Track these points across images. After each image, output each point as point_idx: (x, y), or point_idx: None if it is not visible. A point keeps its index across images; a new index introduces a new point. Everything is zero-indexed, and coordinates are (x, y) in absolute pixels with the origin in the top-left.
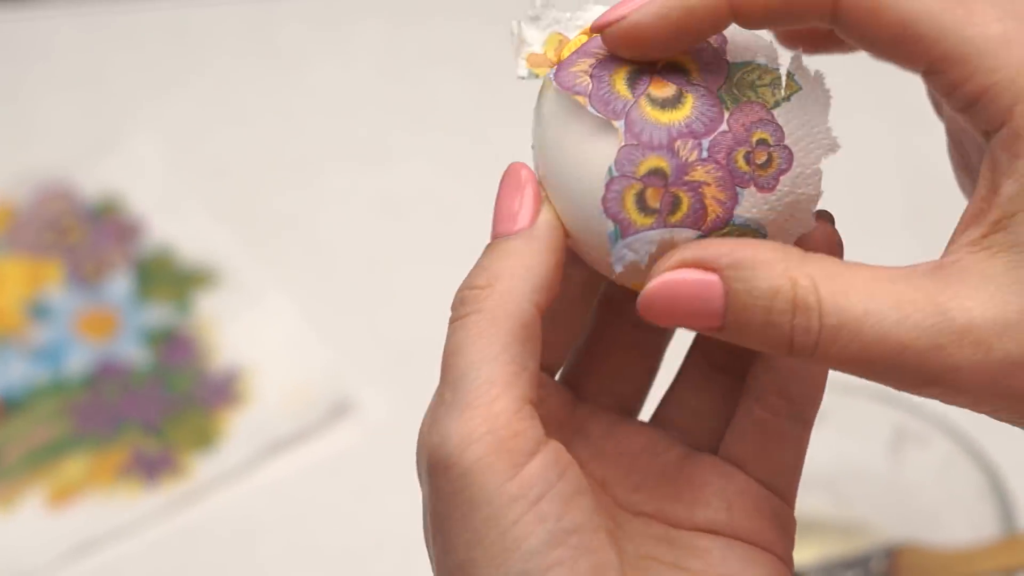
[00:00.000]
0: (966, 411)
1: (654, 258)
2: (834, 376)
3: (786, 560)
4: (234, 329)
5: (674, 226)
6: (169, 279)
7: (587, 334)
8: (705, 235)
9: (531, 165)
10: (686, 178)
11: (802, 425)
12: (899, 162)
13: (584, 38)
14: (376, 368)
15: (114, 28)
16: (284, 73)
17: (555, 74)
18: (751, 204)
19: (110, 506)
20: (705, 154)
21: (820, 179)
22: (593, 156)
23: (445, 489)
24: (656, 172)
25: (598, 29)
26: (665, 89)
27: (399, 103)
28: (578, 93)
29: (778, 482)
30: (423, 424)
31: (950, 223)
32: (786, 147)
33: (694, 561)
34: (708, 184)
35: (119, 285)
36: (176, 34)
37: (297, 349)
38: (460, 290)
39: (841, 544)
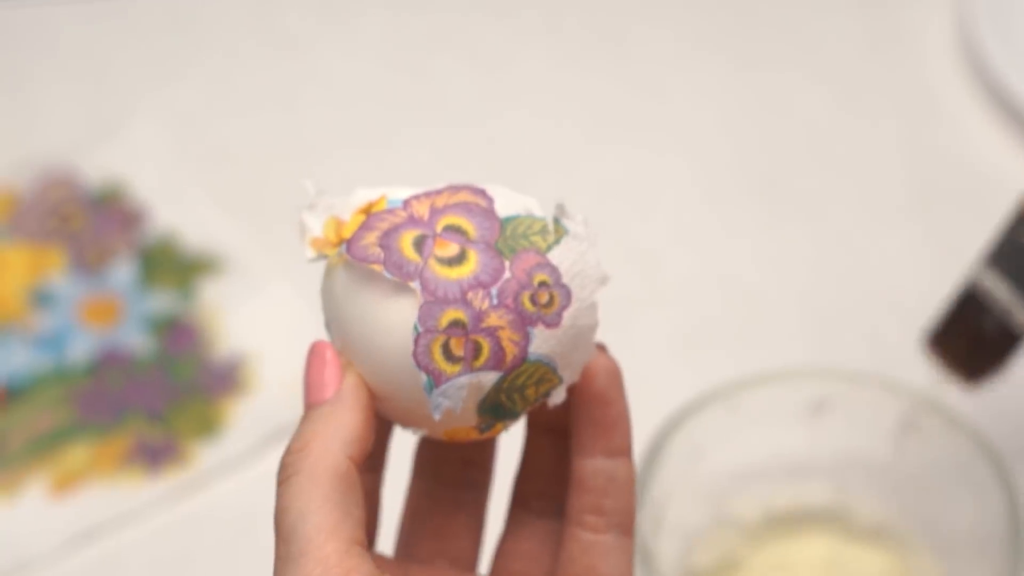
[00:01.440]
0: (972, 401)
1: (466, 402)
2: (840, 365)
3: None
4: (238, 317)
5: (479, 370)
6: (172, 267)
7: (407, 504)
8: (507, 374)
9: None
10: (482, 325)
11: (624, 537)
12: (901, 151)
13: (361, 217)
14: None
15: (118, 15)
16: (288, 61)
17: (347, 249)
18: (542, 341)
19: (113, 494)
20: (495, 301)
21: (596, 310)
22: (395, 317)
23: None
24: (456, 323)
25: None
26: (448, 248)
27: (403, 92)
28: (373, 262)
29: None
30: None
31: (952, 211)
32: (564, 285)
33: None
34: (503, 328)
35: (122, 272)
36: (180, 21)
37: (300, 337)
38: (282, 458)
39: (845, 534)
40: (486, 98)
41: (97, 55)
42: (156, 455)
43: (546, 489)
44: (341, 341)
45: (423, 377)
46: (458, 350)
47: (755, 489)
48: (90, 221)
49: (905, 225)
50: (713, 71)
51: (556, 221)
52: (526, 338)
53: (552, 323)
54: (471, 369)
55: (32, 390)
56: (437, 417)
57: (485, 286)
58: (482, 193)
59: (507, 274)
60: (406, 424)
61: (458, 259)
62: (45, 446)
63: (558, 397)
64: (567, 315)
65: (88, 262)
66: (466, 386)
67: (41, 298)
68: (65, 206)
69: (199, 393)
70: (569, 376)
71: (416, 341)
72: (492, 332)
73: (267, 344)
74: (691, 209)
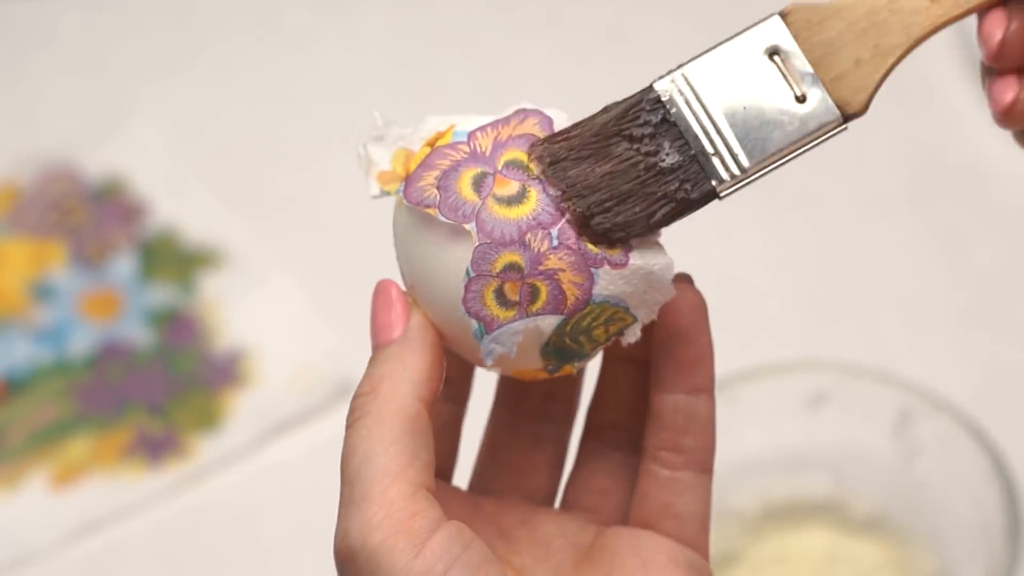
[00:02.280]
0: (970, 393)
1: (522, 347)
2: (838, 358)
3: None
4: (238, 310)
5: (536, 314)
6: (173, 260)
7: (486, 437)
8: (569, 317)
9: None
10: (541, 268)
11: (702, 475)
12: (900, 145)
13: (427, 150)
14: None
15: (118, 9)
16: (288, 54)
17: (403, 191)
18: (607, 282)
19: (114, 487)
20: (556, 242)
21: (664, 251)
22: (451, 260)
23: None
24: (512, 267)
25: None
26: (508, 187)
27: (403, 85)
28: (427, 206)
29: (688, 534)
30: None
31: (951, 206)
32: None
33: None
34: (563, 270)
35: (123, 266)
36: (180, 15)
37: (301, 330)
38: (352, 400)
39: (843, 526)
40: (486, 91)
41: (98, 49)
42: (157, 448)
43: (622, 421)
44: (408, 278)
45: (473, 323)
46: (513, 295)
47: (754, 481)
48: (91, 215)
49: (903, 219)
50: None
51: None
52: (590, 279)
53: (618, 263)
54: (527, 314)
55: (33, 383)
56: (488, 363)
57: (545, 226)
58: (549, 122)
59: (568, 215)
60: (474, 363)
61: (517, 198)
62: (46, 439)
63: (632, 336)
64: (634, 255)
65: (89, 256)
66: (521, 331)
67: (42, 292)
68: (66, 200)
69: (199, 386)
70: (645, 315)
71: (467, 287)
72: (551, 275)
73: (267, 337)
74: None
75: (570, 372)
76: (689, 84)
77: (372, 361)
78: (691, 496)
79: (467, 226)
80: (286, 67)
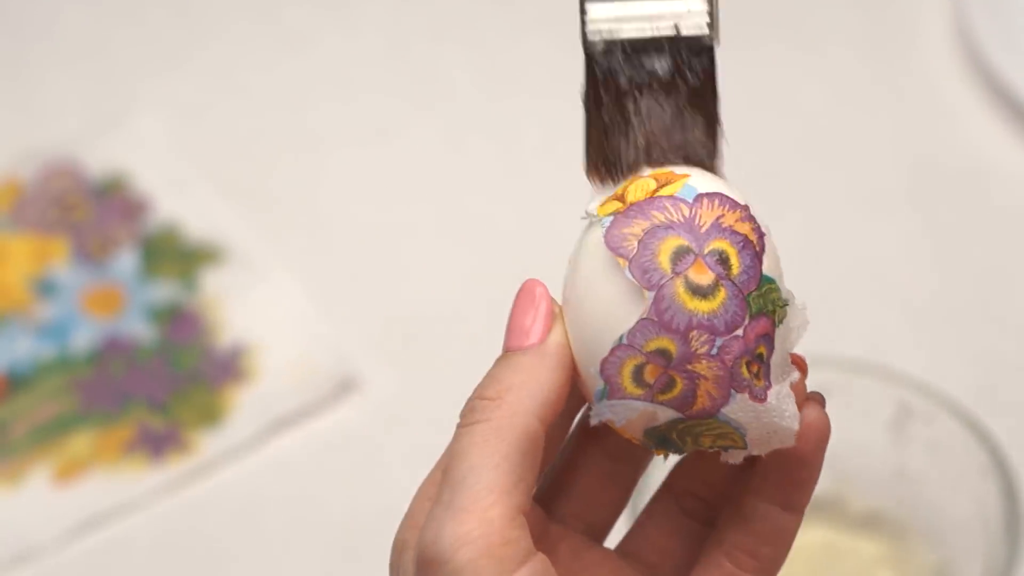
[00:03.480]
0: (969, 389)
1: (632, 423)
2: (837, 354)
3: None
4: (240, 306)
5: (660, 404)
6: (175, 256)
7: (564, 457)
8: (686, 420)
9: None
10: (688, 367)
11: None
12: (899, 142)
13: (652, 184)
14: (381, 345)
15: (118, 3)
16: (290, 49)
17: (607, 232)
18: (739, 408)
19: (116, 482)
20: (715, 351)
21: (793, 401)
22: (614, 315)
23: None
24: (662, 353)
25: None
26: (703, 276)
27: (405, 80)
28: (621, 256)
29: None
30: (409, 518)
31: (950, 202)
32: (769, 365)
33: None
34: (707, 379)
35: (125, 262)
36: (181, 10)
37: (303, 326)
38: (471, 399)
39: (842, 522)
40: (488, 85)
41: (99, 46)
42: (159, 444)
43: (703, 494)
44: (568, 292)
45: (600, 383)
46: (650, 377)
47: None
48: (93, 211)
49: (903, 215)
50: None
51: (787, 303)
52: (725, 399)
53: (758, 397)
54: (652, 400)
55: (35, 379)
56: (593, 423)
57: (714, 333)
58: (761, 238)
59: (740, 331)
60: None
61: (705, 291)
62: (48, 435)
63: (734, 459)
64: (771, 396)
65: (91, 252)
66: (639, 411)
67: (44, 288)
68: (68, 196)
69: (201, 382)
70: (757, 450)
71: (613, 350)
72: (693, 377)
73: (269, 332)
74: None
75: (660, 455)
76: (600, 19)
77: (503, 365)
78: None
79: (647, 294)
80: (287, 61)
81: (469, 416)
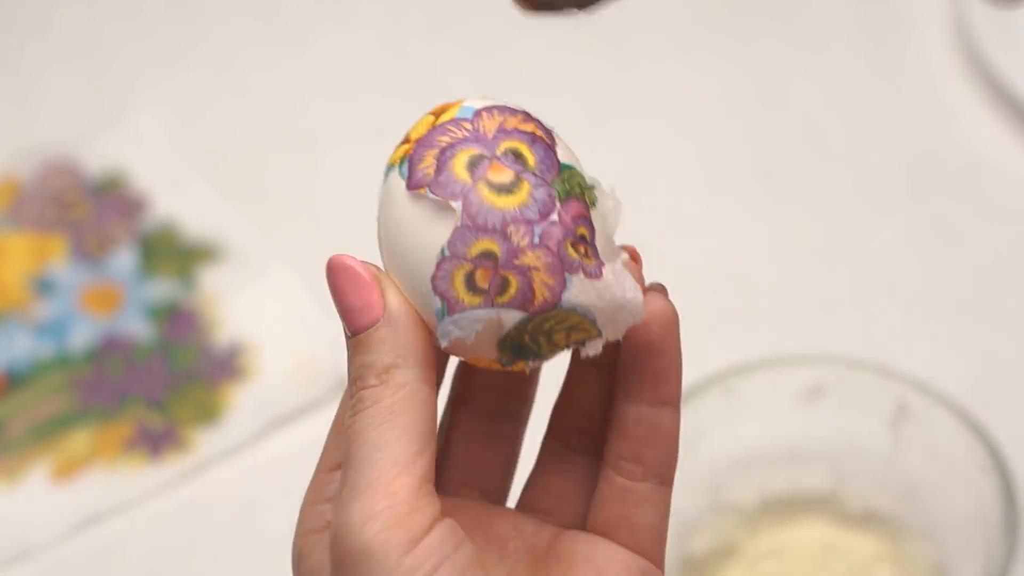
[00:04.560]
0: (967, 386)
1: (480, 336)
2: (836, 351)
3: None
4: (238, 304)
5: (501, 307)
6: (173, 254)
7: (441, 431)
8: (532, 317)
9: None
10: (516, 262)
11: (661, 487)
12: (898, 138)
13: (431, 120)
14: None
15: (116, 1)
16: (288, 46)
17: (407, 178)
18: (579, 291)
19: (114, 480)
20: (537, 240)
21: (630, 278)
22: (430, 237)
23: (346, 563)
24: (487, 255)
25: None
26: (503, 174)
27: (403, 75)
28: (422, 187)
29: (643, 544)
30: (300, 525)
31: (948, 198)
32: (595, 247)
33: None
34: (538, 269)
35: (123, 260)
36: (178, 7)
37: (301, 324)
38: (352, 391)
39: (841, 519)
40: (485, 80)
41: (97, 43)
42: (157, 441)
43: (586, 426)
44: (384, 249)
45: (437, 302)
46: (483, 282)
47: (751, 475)
48: (91, 209)
49: (901, 212)
50: (710, 58)
51: (593, 187)
52: (562, 284)
53: (593, 275)
54: (492, 304)
55: (33, 377)
56: (443, 344)
57: (530, 222)
58: (549, 133)
59: (554, 216)
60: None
61: (509, 187)
62: (46, 433)
63: (592, 349)
64: (607, 272)
65: (89, 250)
66: (483, 320)
67: (42, 286)
68: (66, 194)
69: (200, 380)
70: (610, 332)
71: (439, 265)
72: (525, 271)
73: (267, 331)
74: (688, 195)
75: (523, 369)
76: None
77: (362, 348)
78: (648, 508)
79: (453, 203)
80: (285, 57)
81: (358, 406)
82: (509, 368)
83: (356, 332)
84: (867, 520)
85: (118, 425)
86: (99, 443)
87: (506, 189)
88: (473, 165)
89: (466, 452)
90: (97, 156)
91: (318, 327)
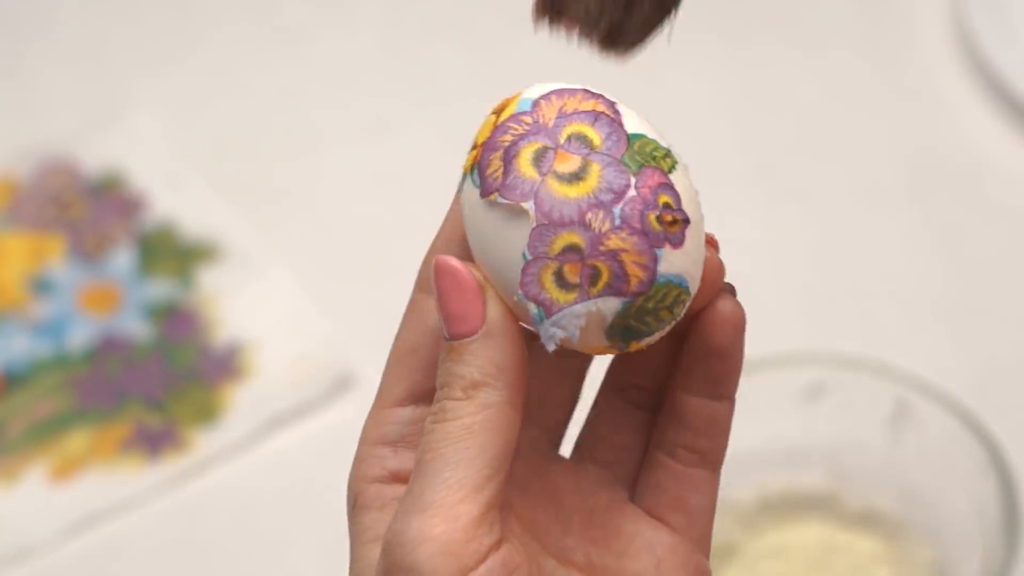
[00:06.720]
0: (967, 386)
1: (584, 330)
2: (835, 350)
3: None
4: (236, 303)
5: (598, 297)
6: (171, 254)
7: None
8: (632, 299)
9: None
10: (602, 248)
11: (713, 473)
12: (897, 137)
13: (494, 119)
14: (378, 342)
15: (115, 1)
16: (286, 46)
17: (480, 186)
18: (671, 262)
19: (113, 480)
20: (618, 222)
21: (704, 235)
22: (511, 242)
23: (396, 575)
24: (571, 248)
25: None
26: (570, 162)
27: (401, 76)
28: (494, 192)
29: (697, 529)
30: (356, 466)
31: (948, 198)
32: (682, 211)
33: None
34: (626, 250)
35: (121, 260)
36: (177, 7)
37: (299, 323)
38: (438, 398)
39: (840, 519)
40: (484, 81)
41: (95, 42)
42: (155, 441)
43: (646, 383)
44: (475, 257)
45: (533, 308)
46: (573, 277)
47: (750, 475)
48: (89, 209)
49: (901, 211)
50: (709, 57)
51: (670, 151)
52: (654, 260)
53: (677, 243)
54: (588, 296)
55: (32, 377)
56: (551, 348)
57: (607, 206)
58: (612, 106)
59: (632, 192)
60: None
61: (579, 174)
62: (45, 433)
63: (682, 310)
64: (688, 233)
65: (87, 250)
66: (583, 314)
67: (41, 285)
68: (64, 194)
69: (198, 379)
70: (693, 289)
71: (524, 270)
72: (613, 255)
73: (266, 330)
74: None
75: (641, 349)
76: None
77: (455, 355)
78: (702, 492)
79: (525, 205)
80: (283, 58)
81: (439, 415)
82: (626, 351)
83: (453, 338)
84: (866, 520)
85: (117, 425)
86: (97, 443)
87: (576, 177)
88: (539, 159)
89: (534, 387)
90: (95, 156)
91: (316, 326)
